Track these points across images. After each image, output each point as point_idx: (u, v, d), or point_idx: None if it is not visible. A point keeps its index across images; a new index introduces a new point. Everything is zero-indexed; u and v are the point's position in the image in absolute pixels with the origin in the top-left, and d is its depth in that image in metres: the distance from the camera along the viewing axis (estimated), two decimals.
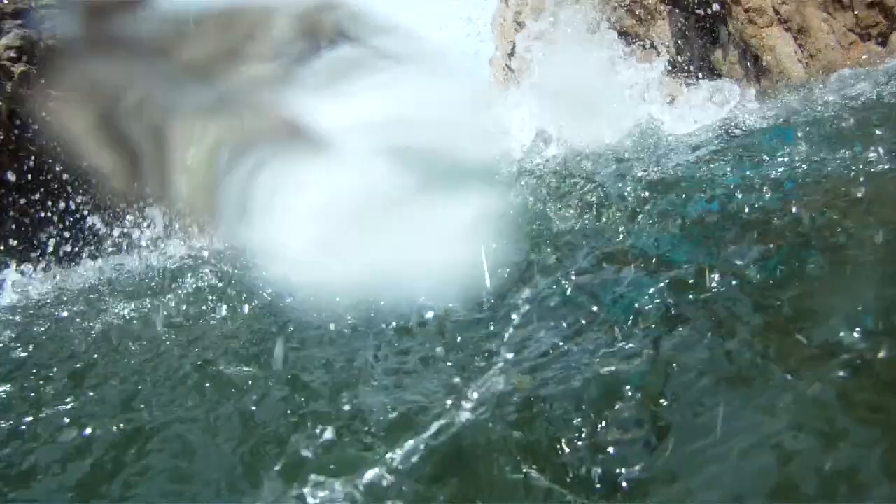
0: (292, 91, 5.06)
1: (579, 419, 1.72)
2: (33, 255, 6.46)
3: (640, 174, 3.27)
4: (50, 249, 6.53)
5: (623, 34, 21.82)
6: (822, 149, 3.15)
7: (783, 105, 5.25)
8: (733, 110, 5.18)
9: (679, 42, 17.68)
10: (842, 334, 1.65)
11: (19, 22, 9.79)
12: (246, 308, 3.40)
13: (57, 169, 6.66)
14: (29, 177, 7.37)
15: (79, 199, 6.38)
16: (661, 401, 1.68)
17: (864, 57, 8.53)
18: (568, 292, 2.40)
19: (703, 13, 15.14)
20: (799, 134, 3.51)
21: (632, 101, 6.09)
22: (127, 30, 5.59)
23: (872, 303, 1.69)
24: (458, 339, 2.37)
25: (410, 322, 2.60)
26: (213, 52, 5.43)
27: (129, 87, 5.34)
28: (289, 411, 2.18)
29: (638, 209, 2.76)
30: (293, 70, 5.16)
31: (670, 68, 19.35)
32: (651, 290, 2.06)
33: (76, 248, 6.54)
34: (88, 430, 2.17)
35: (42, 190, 6.98)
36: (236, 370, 2.50)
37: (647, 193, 2.98)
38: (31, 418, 2.42)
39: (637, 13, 20.27)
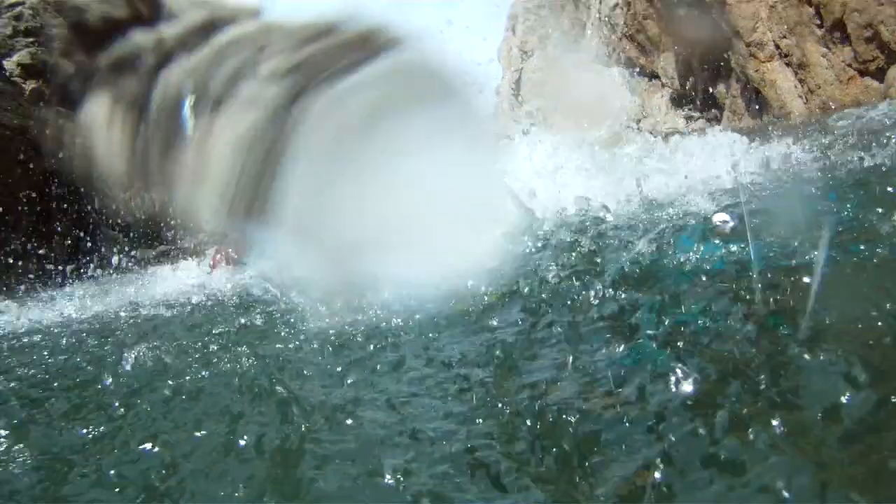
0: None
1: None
2: (46, 273, 6.52)
3: (634, 249, 3.25)
4: (57, 268, 6.58)
5: (629, 65, 22.08)
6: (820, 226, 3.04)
7: (781, 157, 5.25)
8: (735, 163, 5.18)
9: (682, 73, 17.87)
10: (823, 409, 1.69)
11: (31, 40, 9.95)
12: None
13: (71, 188, 6.72)
14: (38, 195, 7.51)
15: (91, 216, 6.43)
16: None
17: (861, 92, 8.66)
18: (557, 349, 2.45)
19: (705, 47, 15.34)
20: (790, 205, 3.45)
21: (632, 164, 6.08)
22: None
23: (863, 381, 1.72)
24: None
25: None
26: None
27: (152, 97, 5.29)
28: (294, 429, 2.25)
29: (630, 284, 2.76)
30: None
31: (673, 99, 19.53)
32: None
33: (85, 269, 6.60)
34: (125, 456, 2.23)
35: (54, 206, 7.05)
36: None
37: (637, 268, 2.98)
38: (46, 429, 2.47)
39: (642, 44, 20.52)
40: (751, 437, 1.60)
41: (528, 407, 2.04)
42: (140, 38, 5.51)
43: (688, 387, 1.90)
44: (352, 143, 4.79)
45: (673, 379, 1.93)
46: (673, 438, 1.69)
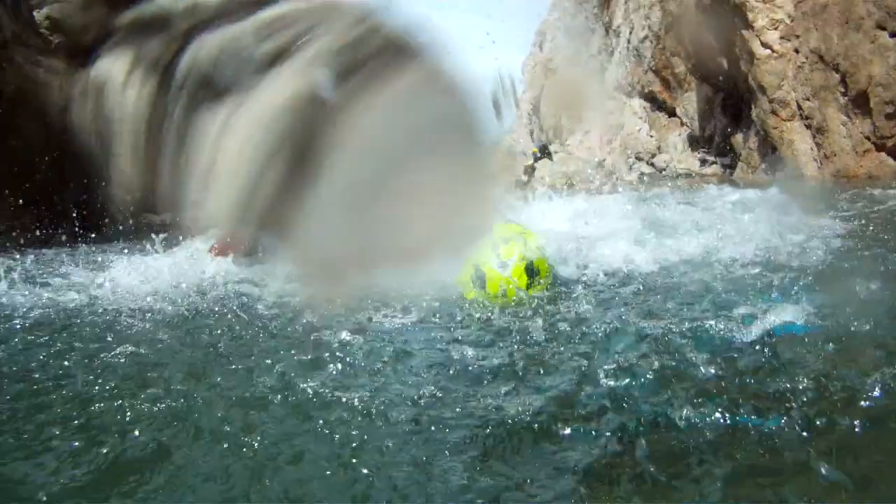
0: None
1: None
2: (51, 231, 6.49)
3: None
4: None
5: (651, 98, 22.16)
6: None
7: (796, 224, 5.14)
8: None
9: (702, 116, 17.96)
10: None
11: None
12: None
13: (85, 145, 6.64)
14: (55, 150, 7.50)
15: (101, 175, 6.32)
16: None
17: (875, 167, 8.73)
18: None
19: (729, 94, 15.40)
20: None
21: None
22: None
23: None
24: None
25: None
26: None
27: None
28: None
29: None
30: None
31: (690, 138, 19.61)
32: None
33: (91, 230, 6.55)
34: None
35: (68, 162, 7.01)
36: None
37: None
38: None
39: (667, 80, 20.61)
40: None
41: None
42: (169, 1, 5.43)
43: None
44: (373, 161, 4.77)
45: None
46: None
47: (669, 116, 21.74)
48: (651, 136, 22.23)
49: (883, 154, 8.78)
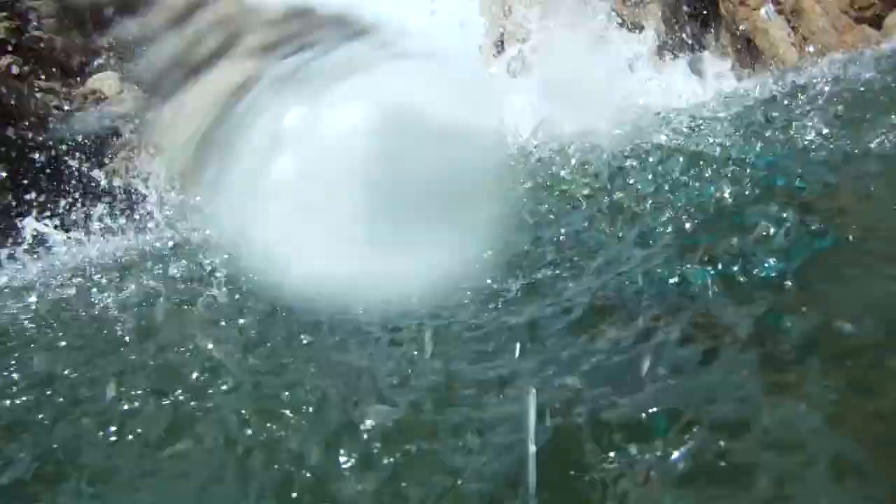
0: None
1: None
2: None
3: (632, 165, 3.18)
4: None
5: (611, 18, 21.77)
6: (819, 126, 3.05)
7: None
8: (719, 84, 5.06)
9: (669, 26, 17.63)
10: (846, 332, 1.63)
11: (5, 14, 9.83)
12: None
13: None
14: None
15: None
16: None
17: (858, 41, 8.51)
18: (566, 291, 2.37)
19: None
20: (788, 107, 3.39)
21: (620, 74, 5.85)
22: None
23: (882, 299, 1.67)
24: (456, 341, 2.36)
25: (405, 322, 2.58)
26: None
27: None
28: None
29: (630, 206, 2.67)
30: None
31: (660, 48, 19.30)
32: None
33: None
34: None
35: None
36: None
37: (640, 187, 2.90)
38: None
39: None
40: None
41: None
42: (133, 26, 5.74)
43: None
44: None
45: None
46: None
47: (635, 33, 21.41)
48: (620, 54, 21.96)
49: (864, 26, 8.57)
